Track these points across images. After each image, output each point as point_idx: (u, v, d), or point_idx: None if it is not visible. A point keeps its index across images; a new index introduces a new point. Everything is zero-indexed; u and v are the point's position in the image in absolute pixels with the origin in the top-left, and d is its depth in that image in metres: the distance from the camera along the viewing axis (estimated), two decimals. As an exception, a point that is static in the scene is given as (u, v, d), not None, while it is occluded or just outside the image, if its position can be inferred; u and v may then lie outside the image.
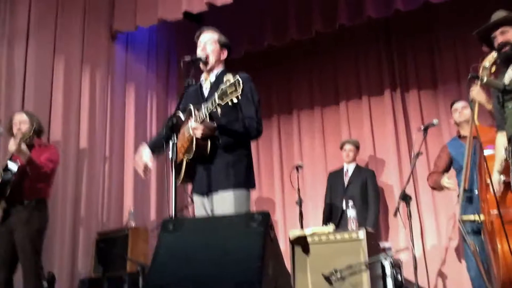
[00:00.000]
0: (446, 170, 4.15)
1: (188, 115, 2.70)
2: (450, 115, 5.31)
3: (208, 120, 2.58)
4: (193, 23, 5.58)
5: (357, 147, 5.29)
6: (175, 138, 2.50)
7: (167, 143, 2.54)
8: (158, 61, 6.06)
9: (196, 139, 2.60)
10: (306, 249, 4.02)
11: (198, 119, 2.58)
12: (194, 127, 2.57)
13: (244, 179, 2.71)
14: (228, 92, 2.37)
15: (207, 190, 2.71)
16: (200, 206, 2.78)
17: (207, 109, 2.52)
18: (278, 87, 6.48)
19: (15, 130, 3.92)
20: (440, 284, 5.05)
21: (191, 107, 2.68)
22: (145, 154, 2.87)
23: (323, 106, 6.17)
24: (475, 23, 5.19)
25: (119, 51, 5.60)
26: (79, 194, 4.85)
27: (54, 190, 4.42)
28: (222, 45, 2.88)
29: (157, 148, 2.90)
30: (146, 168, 2.85)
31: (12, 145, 3.65)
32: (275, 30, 5.66)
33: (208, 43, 2.84)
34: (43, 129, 4.14)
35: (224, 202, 2.64)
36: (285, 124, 6.38)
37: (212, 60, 2.83)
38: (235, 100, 2.37)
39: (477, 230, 3.65)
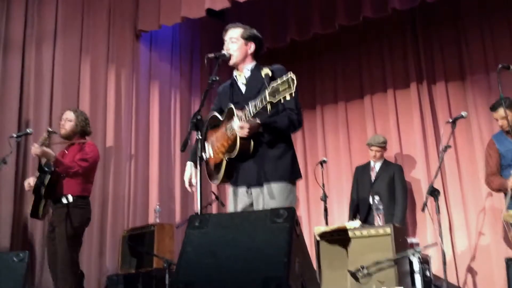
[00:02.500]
0: (500, 168, 4.02)
1: (230, 114, 2.65)
2: (479, 107, 5.22)
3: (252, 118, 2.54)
4: (216, 20, 5.60)
5: (383, 147, 5.18)
6: (199, 134, 2.49)
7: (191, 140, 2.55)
8: (182, 59, 6.09)
9: (240, 138, 2.56)
10: (331, 245, 3.98)
11: (245, 117, 2.53)
12: (240, 126, 2.52)
13: (290, 172, 2.70)
14: (280, 90, 2.32)
15: (251, 183, 2.68)
16: (238, 199, 2.74)
17: (255, 107, 2.47)
18: (302, 82, 6.35)
19: (60, 126, 4.03)
20: (470, 280, 4.94)
21: (232, 106, 2.64)
22: (187, 173, 2.84)
23: (347, 100, 6.11)
24: (503, 12, 5.12)
25: (143, 50, 5.66)
26: (106, 191, 4.92)
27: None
28: (247, 39, 2.83)
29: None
30: (190, 184, 2.83)
31: (35, 149, 3.74)
32: (298, 25, 5.63)
33: (230, 41, 2.82)
34: (88, 129, 4.14)
35: (264, 196, 2.63)
36: (309, 119, 6.33)
37: (236, 58, 2.80)
38: (288, 98, 2.31)
39: None
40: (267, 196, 2.63)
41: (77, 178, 3.91)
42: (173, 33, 6.01)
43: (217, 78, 2.69)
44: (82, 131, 4.07)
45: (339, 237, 3.96)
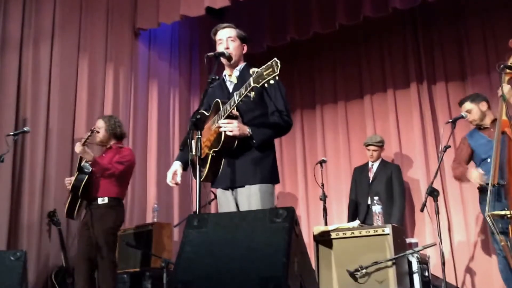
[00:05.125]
0: (468, 162, 4.11)
1: (215, 109, 2.69)
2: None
3: (235, 110, 2.57)
4: (216, 18, 5.58)
5: (381, 146, 5.19)
6: (199, 133, 2.48)
7: (191, 139, 2.54)
8: (181, 57, 6.08)
9: (225, 132, 2.58)
10: (330, 245, 3.97)
11: (229, 107, 2.56)
12: (227, 121, 2.55)
13: (270, 175, 2.73)
14: (264, 74, 2.36)
15: (233, 185, 2.71)
16: (224, 201, 2.78)
17: (239, 95, 2.50)
18: (301, 81, 6.43)
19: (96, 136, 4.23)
20: (469, 280, 4.94)
21: (219, 101, 2.67)
22: (172, 168, 2.86)
23: (347, 100, 6.09)
24: (504, 12, 5.11)
25: (142, 48, 5.64)
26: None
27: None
28: (243, 40, 2.89)
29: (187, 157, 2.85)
30: (174, 180, 2.85)
31: (77, 148, 3.97)
32: (298, 24, 5.62)
33: (229, 40, 2.83)
34: (119, 132, 4.27)
35: (250, 197, 2.65)
36: (308, 118, 6.33)
37: (235, 57, 2.83)
38: (271, 82, 2.35)
39: (506, 226, 3.56)
40: (251, 197, 2.64)
41: (112, 180, 4.04)
42: (172, 32, 6.00)
43: (217, 77, 2.71)
44: (113, 134, 4.22)
45: (338, 237, 3.95)
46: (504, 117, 3.18)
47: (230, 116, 2.59)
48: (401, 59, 5.79)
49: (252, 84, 2.41)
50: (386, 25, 5.75)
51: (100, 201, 4.00)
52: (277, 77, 2.34)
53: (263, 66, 2.37)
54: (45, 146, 4.54)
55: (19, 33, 4.55)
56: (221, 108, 2.62)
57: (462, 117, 4.09)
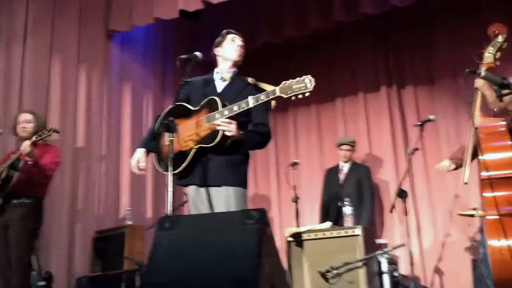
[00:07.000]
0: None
1: (209, 105, 2.68)
2: (447, 111, 5.36)
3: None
4: (189, 21, 5.59)
5: (353, 146, 5.29)
6: (171, 136, 2.49)
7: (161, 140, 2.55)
8: (155, 59, 6.05)
9: (223, 131, 2.59)
10: (302, 246, 4.02)
11: (235, 110, 2.57)
12: (228, 122, 2.57)
13: (245, 180, 2.79)
14: (294, 87, 2.42)
15: (207, 182, 2.70)
16: (198, 199, 2.76)
17: (256, 100, 2.52)
18: (274, 84, 6.44)
19: (19, 129, 3.95)
20: (437, 280, 5.06)
21: (216, 99, 2.67)
22: (135, 156, 2.86)
23: (319, 103, 6.17)
24: (471, 19, 5.26)
25: (115, 50, 5.59)
26: (75, 193, 4.86)
27: (51, 189, 4.41)
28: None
29: (152, 144, 2.88)
30: (139, 168, 2.85)
31: (26, 147, 3.65)
32: (271, 28, 5.66)
33: (242, 48, 2.91)
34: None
35: (228, 198, 2.67)
36: (281, 121, 6.38)
37: (239, 63, 2.91)
38: (300, 96, 2.41)
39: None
40: (229, 198, 2.67)
41: (45, 180, 3.87)
42: (146, 34, 5.96)
43: (189, 79, 2.72)
44: (42, 130, 3.95)
45: (310, 238, 4.01)
46: (477, 112, 3.25)
47: (231, 117, 2.61)
48: (371, 63, 5.90)
49: (278, 94, 2.46)
50: (357, 29, 5.86)
51: (23, 200, 3.76)
52: (308, 94, 2.40)
53: (294, 80, 2.42)
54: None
55: (-10, 33, 4.48)
56: (220, 107, 2.62)
57: (430, 120, 4.21)
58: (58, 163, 3.96)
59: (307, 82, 2.42)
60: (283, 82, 2.46)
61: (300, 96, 2.42)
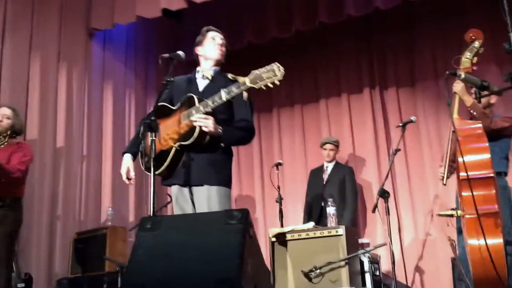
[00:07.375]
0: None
1: (187, 103, 2.65)
2: (428, 112, 5.42)
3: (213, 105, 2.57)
4: (172, 20, 5.55)
5: (337, 146, 5.32)
6: (154, 135, 2.47)
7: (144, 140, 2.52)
8: (137, 58, 6.00)
9: (200, 127, 2.56)
10: (285, 246, 4.02)
11: (209, 105, 2.55)
12: (204, 117, 2.54)
13: (228, 179, 2.76)
14: (264, 76, 2.37)
15: (190, 182, 2.69)
16: (181, 199, 2.75)
17: (227, 93, 2.50)
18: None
19: None
20: (418, 279, 5.12)
21: (193, 96, 2.65)
22: (124, 165, 2.84)
23: (303, 103, 6.19)
24: (453, 22, 5.33)
25: (96, 49, 5.52)
26: (56, 193, 4.78)
27: (31, 190, 4.35)
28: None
29: (137, 149, 2.85)
30: (128, 177, 2.83)
31: None
32: (254, 28, 5.66)
33: (224, 46, 2.93)
34: (21, 130, 3.99)
35: (210, 198, 2.65)
36: (265, 121, 6.38)
37: (221, 62, 2.90)
38: (270, 86, 2.37)
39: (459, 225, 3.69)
40: (211, 199, 2.65)
41: (16, 181, 3.75)
42: (128, 33, 5.90)
43: (172, 79, 2.69)
44: (19, 128, 3.91)
45: (293, 239, 4.01)
46: (455, 115, 3.29)
47: (207, 112, 2.58)
48: (354, 65, 5.94)
49: (249, 85, 2.41)
50: (341, 31, 5.88)
51: (0, 202, 3.65)
52: (278, 82, 2.35)
53: (263, 68, 2.38)
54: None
55: (-33, 30, 4.39)
56: (196, 103, 2.60)
57: (411, 121, 4.25)
58: (25, 162, 3.80)
59: (276, 69, 2.38)
60: (251, 72, 2.42)
61: (270, 85, 2.39)
